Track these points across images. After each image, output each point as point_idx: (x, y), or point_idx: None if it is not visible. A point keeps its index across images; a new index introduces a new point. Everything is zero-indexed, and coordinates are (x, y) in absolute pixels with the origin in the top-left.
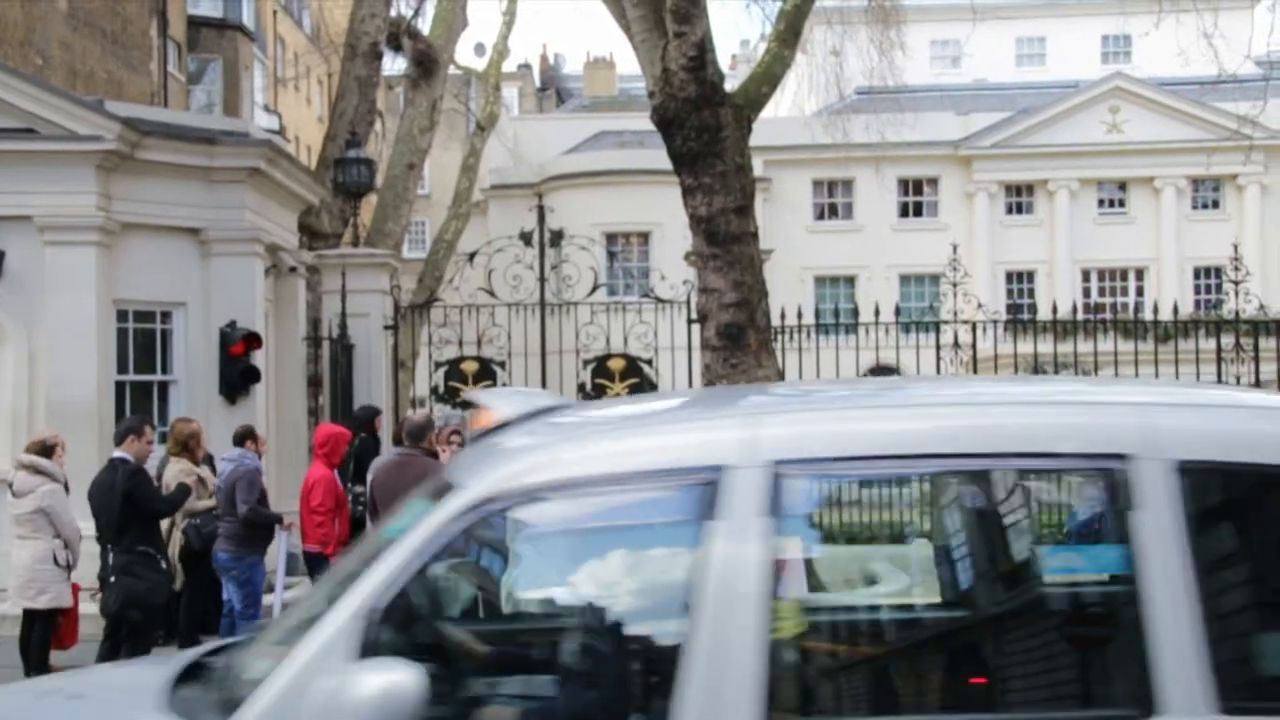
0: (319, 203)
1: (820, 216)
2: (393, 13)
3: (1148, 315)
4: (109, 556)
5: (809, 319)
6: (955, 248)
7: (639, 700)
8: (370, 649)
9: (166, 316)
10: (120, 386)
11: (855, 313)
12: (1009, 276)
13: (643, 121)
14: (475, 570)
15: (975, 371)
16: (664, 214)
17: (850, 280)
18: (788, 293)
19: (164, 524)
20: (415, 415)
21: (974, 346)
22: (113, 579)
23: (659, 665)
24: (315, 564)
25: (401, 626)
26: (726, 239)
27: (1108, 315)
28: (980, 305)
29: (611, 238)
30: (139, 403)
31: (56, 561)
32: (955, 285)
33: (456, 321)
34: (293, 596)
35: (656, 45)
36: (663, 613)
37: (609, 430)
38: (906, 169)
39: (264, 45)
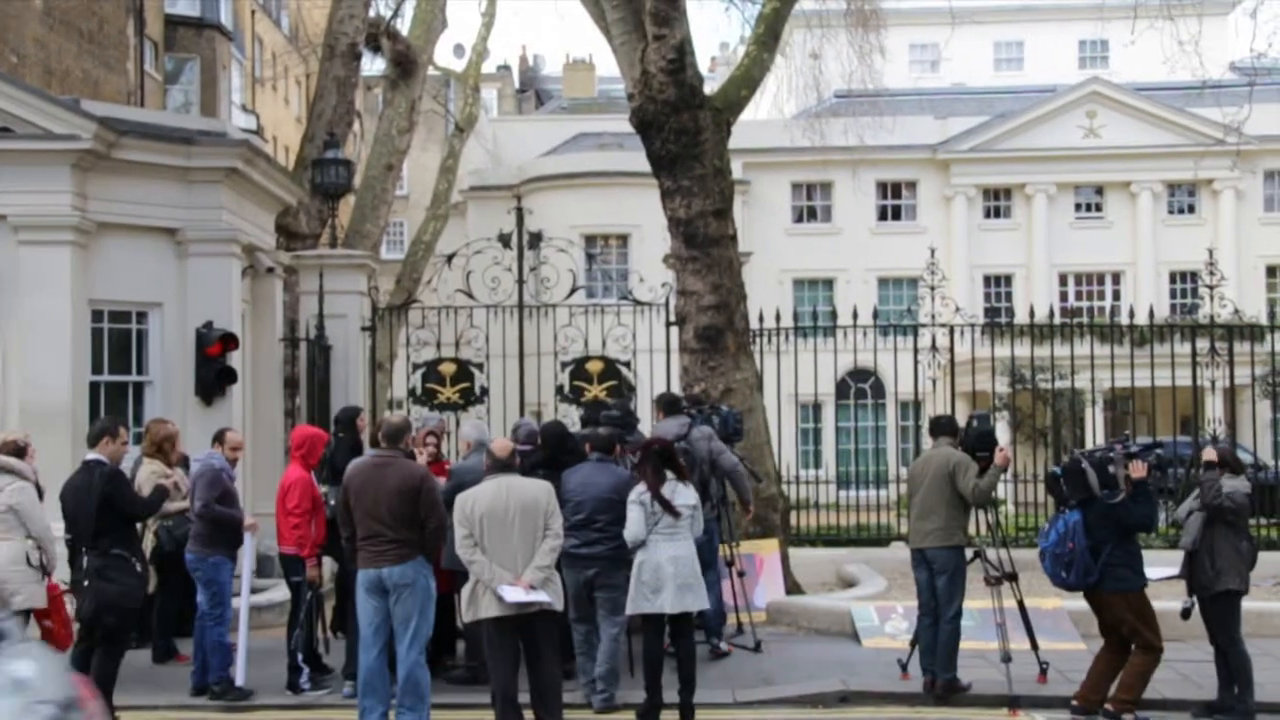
0: (296, 203)
1: (799, 219)
2: (371, 13)
3: (1124, 319)
4: (83, 560)
5: (787, 322)
6: (933, 251)
7: None
8: None
9: (142, 317)
10: (95, 387)
11: (834, 316)
12: (987, 280)
13: (622, 123)
14: None
15: (953, 374)
16: (643, 216)
17: (829, 283)
18: (766, 295)
19: (137, 526)
20: (393, 417)
21: (952, 350)
22: (87, 583)
23: None
24: (291, 566)
25: None
26: (705, 241)
27: (1085, 319)
28: (958, 309)
29: (590, 240)
30: (114, 403)
31: (30, 562)
32: (933, 289)
33: (434, 323)
34: (267, 600)
35: (636, 48)
36: None
37: None
38: (885, 172)
39: (242, 45)
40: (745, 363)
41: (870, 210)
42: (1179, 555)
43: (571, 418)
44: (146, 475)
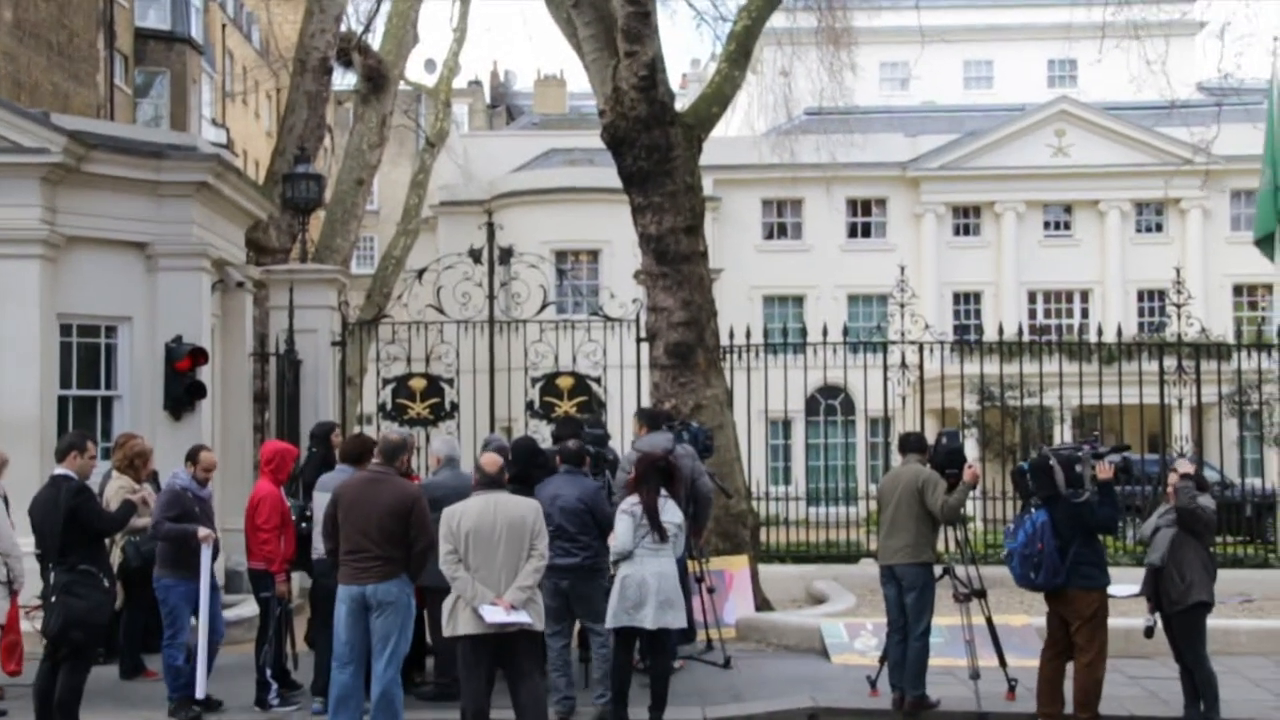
0: (267, 218)
1: (769, 236)
2: (343, 28)
3: (1092, 337)
4: (50, 575)
5: (758, 338)
6: (903, 269)
7: None
8: None
9: (111, 331)
10: (63, 401)
11: (804, 333)
12: (956, 298)
13: (593, 139)
14: None
15: (922, 392)
16: (614, 232)
17: (799, 300)
18: (736, 312)
19: (105, 541)
20: (393, 435)
21: (921, 367)
22: (54, 598)
23: None
24: (260, 581)
25: None
26: (676, 258)
27: (1053, 337)
28: (927, 326)
29: (561, 255)
30: (82, 418)
31: None
32: (903, 306)
33: (405, 338)
34: (235, 615)
35: (607, 64)
36: None
37: None
38: (855, 189)
39: (212, 59)
40: (715, 379)
41: (840, 227)
42: (1142, 574)
43: (542, 433)
44: (115, 490)
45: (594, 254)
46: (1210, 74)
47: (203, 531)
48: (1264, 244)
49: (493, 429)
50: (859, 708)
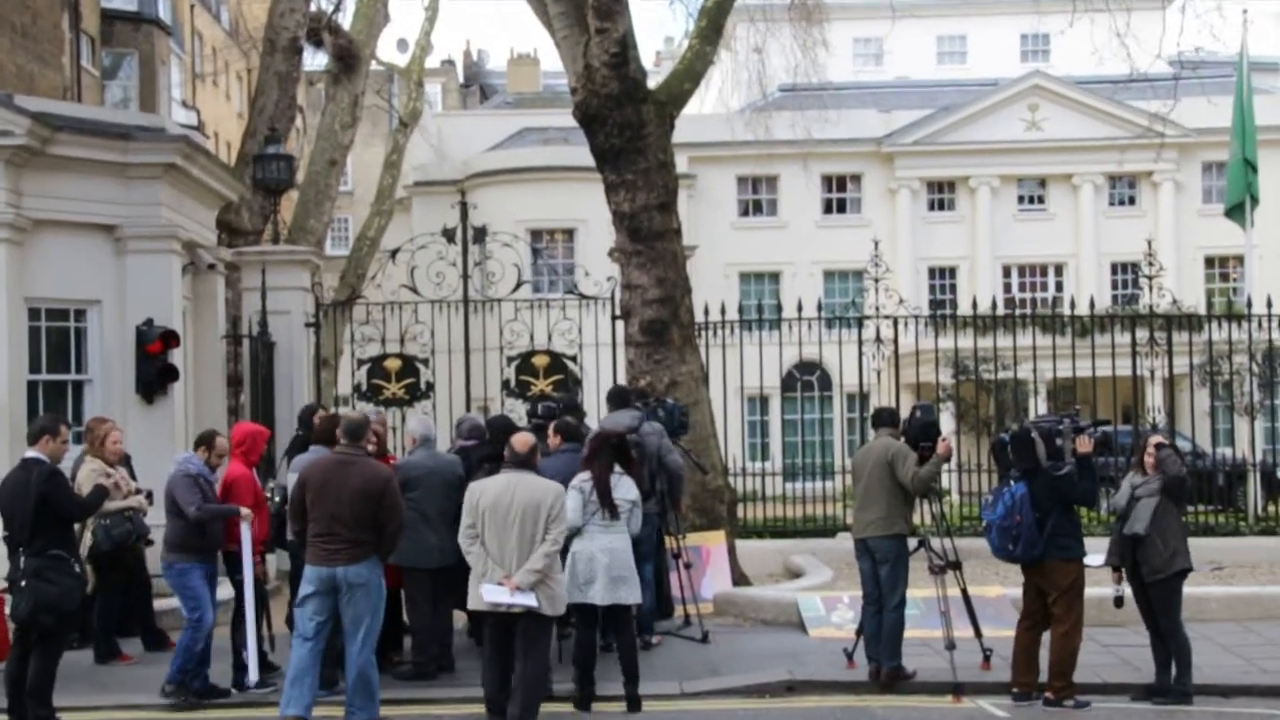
0: (238, 199)
1: (744, 213)
2: (313, 7)
3: (1066, 310)
4: (20, 559)
5: (733, 315)
6: (877, 244)
7: None
8: None
9: (80, 315)
10: (33, 386)
11: (779, 309)
12: (931, 272)
13: (567, 118)
14: None
15: (897, 366)
16: (588, 211)
17: (775, 276)
18: (712, 289)
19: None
20: (352, 414)
21: (896, 341)
22: (23, 583)
23: None
24: (235, 564)
25: None
26: (649, 235)
27: (1027, 310)
28: (902, 301)
29: (536, 234)
30: (52, 403)
31: None
32: (878, 281)
33: (379, 319)
34: None
35: (579, 42)
36: None
37: None
38: (830, 166)
39: (181, 40)
40: (690, 356)
41: (815, 203)
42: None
43: (518, 412)
44: (87, 474)
45: (569, 233)
46: (1182, 47)
47: (244, 510)
48: (1235, 213)
49: (468, 408)
50: (836, 680)
